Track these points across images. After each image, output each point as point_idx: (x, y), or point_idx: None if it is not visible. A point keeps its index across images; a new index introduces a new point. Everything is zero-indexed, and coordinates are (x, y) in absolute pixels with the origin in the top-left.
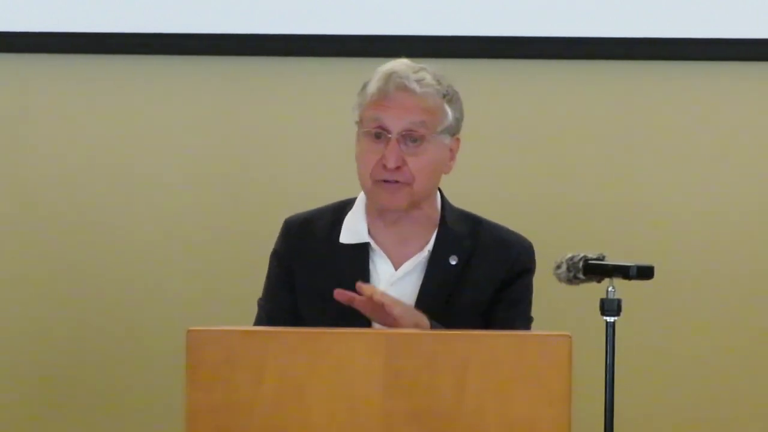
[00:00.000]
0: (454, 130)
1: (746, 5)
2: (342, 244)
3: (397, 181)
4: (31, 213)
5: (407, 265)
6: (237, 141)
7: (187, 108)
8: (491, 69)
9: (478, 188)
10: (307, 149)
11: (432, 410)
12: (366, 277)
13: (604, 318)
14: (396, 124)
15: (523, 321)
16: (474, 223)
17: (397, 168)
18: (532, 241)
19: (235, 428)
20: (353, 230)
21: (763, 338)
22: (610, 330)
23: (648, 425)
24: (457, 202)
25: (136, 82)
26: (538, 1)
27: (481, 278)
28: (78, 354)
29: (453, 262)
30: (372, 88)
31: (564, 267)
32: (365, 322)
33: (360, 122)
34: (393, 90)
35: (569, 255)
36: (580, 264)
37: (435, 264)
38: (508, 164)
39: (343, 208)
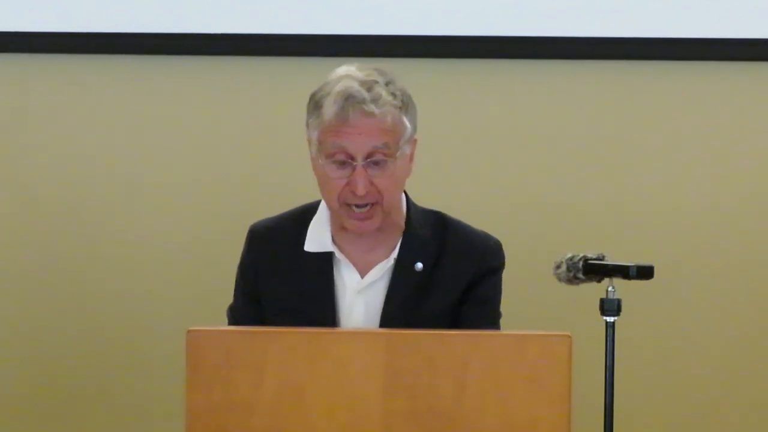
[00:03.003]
0: (412, 136)
1: (746, 5)
2: (307, 252)
3: (366, 204)
4: (30, 213)
5: (373, 273)
6: (237, 141)
7: (187, 108)
8: (491, 69)
9: (478, 188)
10: (306, 149)
11: (432, 410)
12: (331, 285)
13: (604, 318)
14: (360, 150)
15: (492, 319)
16: (440, 225)
17: (366, 192)
18: (531, 241)
19: (235, 428)
20: (317, 239)
21: (763, 338)
22: (610, 330)
23: (648, 425)
24: (457, 202)
25: (137, 82)
26: (538, 1)
27: (447, 282)
28: (78, 354)
29: (418, 268)
30: (329, 112)
31: (564, 267)
32: None
33: (319, 145)
34: (352, 116)
35: (569, 255)
36: (580, 264)
37: (400, 271)
38: (507, 164)
39: (306, 214)
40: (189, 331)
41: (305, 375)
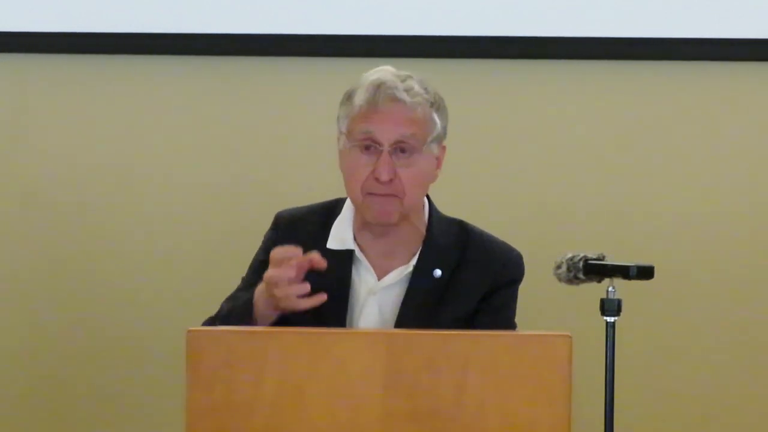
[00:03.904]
0: (441, 139)
1: (746, 5)
2: (328, 249)
3: (388, 195)
4: (30, 212)
5: (391, 277)
6: (237, 141)
7: (187, 108)
8: (491, 69)
9: (479, 188)
10: (307, 149)
11: (432, 410)
12: (347, 283)
13: (604, 318)
14: (387, 136)
15: (504, 327)
16: (462, 233)
17: (390, 180)
18: (531, 241)
19: (235, 428)
20: (339, 237)
21: (763, 338)
22: (610, 330)
23: (648, 425)
24: (458, 202)
25: (136, 82)
26: (538, 1)
27: (465, 291)
28: (78, 354)
29: (437, 275)
30: (360, 99)
31: (564, 267)
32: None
33: (348, 134)
34: (382, 101)
35: (569, 255)
36: (580, 264)
37: (418, 277)
38: (507, 164)
39: (333, 209)
40: (189, 331)
41: (305, 375)
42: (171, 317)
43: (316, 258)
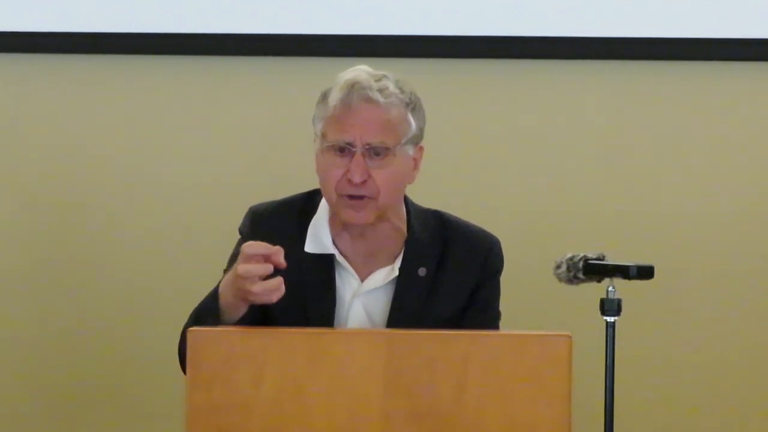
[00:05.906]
0: (417, 140)
1: (746, 5)
2: (307, 252)
3: (362, 197)
4: (30, 213)
5: (374, 279)
6: (237, 141)
7: (187, 108)
8: (491, 69)
9: (479, 188)
10: (307, 149)
11: (432, 410)
12: (332, 287)
13: (604, 318)
14: (360, 138)
15: (493, 320)
16: (440, 226)
17: (363, 182)
18: (532, 241)
19: (235, 428)
20: (318, 240)
21: (763, 338)
22: (610, 330)
23: (648, 425)
24: (457, 202)
25: (136, 82)
26: (538, 1)
27: (453, 287)
28: (78, 354)
29: (422, 274)
30: (334, 100)
31: (564, 267)
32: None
33: (323, 135)
34: (356, 101)
35: (569, 255)
36: (580, 264)
37: (404, 279)
38: (507, 164)
39: (308, 203)
40: (189, 331)
41: (305, 375)
42: (171, 317)
43: (276, 258)
